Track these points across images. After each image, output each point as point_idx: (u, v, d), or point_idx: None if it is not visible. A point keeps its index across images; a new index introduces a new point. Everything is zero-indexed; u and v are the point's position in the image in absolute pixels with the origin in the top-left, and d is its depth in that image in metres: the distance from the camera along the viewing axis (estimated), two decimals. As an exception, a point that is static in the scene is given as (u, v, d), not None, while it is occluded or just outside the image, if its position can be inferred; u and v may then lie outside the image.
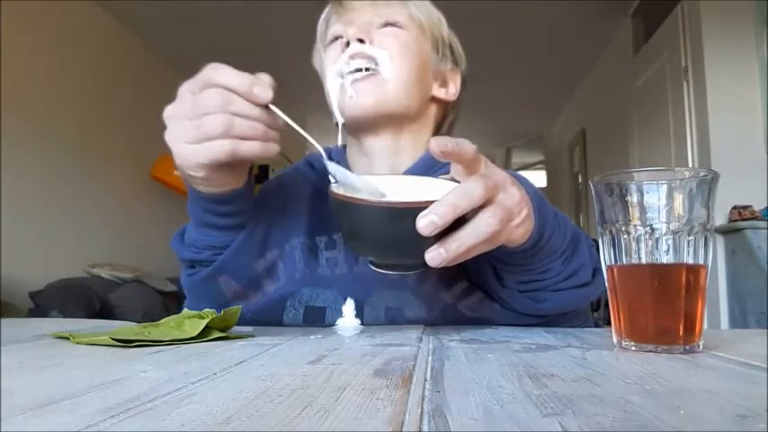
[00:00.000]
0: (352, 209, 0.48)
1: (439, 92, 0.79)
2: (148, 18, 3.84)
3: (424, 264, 0.45)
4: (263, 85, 0.51)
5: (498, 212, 0.44)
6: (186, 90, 0.52)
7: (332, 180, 0.52)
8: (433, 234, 0.42)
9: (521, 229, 0.49)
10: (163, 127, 0.54)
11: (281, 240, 0.72)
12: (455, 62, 0.82)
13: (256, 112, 0.51)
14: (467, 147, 0.45)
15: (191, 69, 0.54)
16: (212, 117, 0.50)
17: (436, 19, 0.79)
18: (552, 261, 0.60)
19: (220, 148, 0.51)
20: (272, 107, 0.52)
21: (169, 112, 0.53)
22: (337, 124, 0.72)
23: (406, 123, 0.75)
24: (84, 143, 3.50)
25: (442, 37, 0.79)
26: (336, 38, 0.75)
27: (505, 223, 0.46)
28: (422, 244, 0.44)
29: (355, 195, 0.49)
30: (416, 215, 0.42)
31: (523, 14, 3.75)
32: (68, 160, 3.35)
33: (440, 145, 0.44)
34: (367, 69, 0.70)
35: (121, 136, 3.84)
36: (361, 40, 0.70)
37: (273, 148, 0.53)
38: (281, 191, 0.78)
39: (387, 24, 0.73)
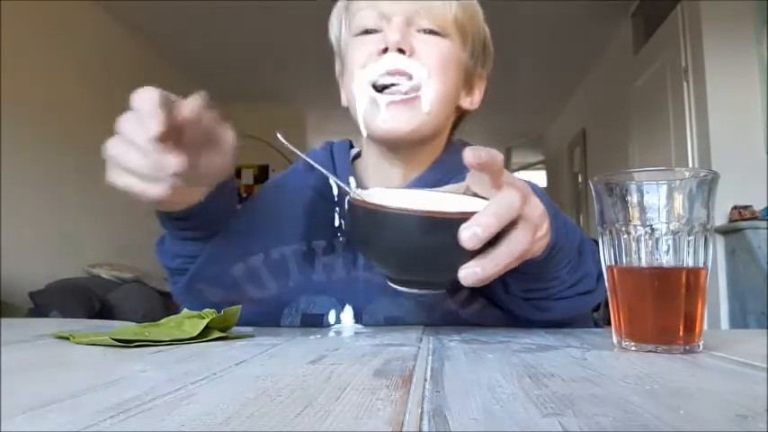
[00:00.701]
0: (381, 217, 0.44)
1: (464, 101, 0.75)
2: (148, 18, 3.84)
3: (451, 282, 0.43)
4: (153, 116, 0.43)
5: (528, 229, 0.44)
6: None
7: (350, 189, 0.49)
8: (476, 248, 0.40)
9: (541, 243, 0.48)
10: None
11: (266, 246, 0.69)
12: (483, 64, 0.77)
13: (140, 140, 0.44)
14: (498, 157, 0.43)
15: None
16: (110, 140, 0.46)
17: (478, 18, 0.74)
18: (560, 270, 0.58)
19: (109, 174, 0.47)
20: (281, 138, 0.47)
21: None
22: (348, 109, 0.70)
23: (432, 137, 0.72)
24: (84, 143, 3.49)
25: (479, 38, 0.74)
26: (367, 30, 0.68)
27: (533, 238, 0.45)
28: (455, 259, 0.42)
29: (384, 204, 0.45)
30: (454, 227, 0.40)
31: (523, 14, 3.74)
32: (68, 160, 3.35)
33: (476, 157, 0.42)
34: (405, 93, 0.64)
35: (121, 136, 3.83)
36: (401, 50, 0.64)
37: (155, 192, 0.46)
38: (276, 195, 0.75)
39: (429, 31, 0.67)
